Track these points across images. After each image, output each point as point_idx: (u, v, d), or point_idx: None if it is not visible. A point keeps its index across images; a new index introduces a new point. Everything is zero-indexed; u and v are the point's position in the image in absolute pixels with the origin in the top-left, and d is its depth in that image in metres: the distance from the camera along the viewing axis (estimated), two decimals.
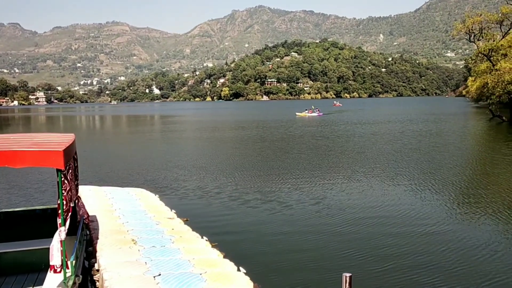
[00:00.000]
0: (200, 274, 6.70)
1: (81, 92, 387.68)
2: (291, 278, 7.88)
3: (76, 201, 7.91)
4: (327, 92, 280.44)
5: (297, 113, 72.33)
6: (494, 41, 52.66)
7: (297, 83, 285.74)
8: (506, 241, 9.69)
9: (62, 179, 5.66)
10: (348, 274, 4.69)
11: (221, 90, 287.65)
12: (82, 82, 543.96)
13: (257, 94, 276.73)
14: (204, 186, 16.19)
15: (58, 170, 5.59)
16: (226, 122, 62.69)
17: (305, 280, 7.81)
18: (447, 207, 12.62)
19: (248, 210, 12.66)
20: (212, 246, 8.43)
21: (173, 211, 11.22)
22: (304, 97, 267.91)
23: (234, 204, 13.41)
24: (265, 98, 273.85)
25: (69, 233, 6.17)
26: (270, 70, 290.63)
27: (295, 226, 11.01)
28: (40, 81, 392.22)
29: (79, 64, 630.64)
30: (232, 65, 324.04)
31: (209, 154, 26.66)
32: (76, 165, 7.61)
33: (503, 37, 54.27)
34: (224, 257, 7.80)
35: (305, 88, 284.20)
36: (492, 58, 51.65)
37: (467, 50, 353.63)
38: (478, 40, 54.95)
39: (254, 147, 29.26)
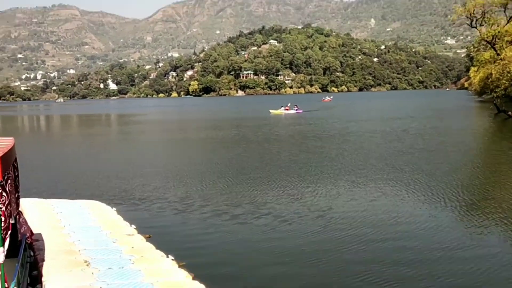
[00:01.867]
0: None
1: (22, 88, 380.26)
2: None
3: (17, 217, 7.79)
4: (311, 85, 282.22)
5: (271, 110, 70.99)
6: (498, 26, 53.81)
7: (277, 75, 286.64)
8: None
9: (0, 191, 5.59)
10: None
11: (189, 85, 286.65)
12: (24, 76, 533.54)
13: (231, 88, 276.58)
14: (169, 197, 16.08)
15: None
16: (196, 121, 62.50)
17: None
18: (466, 218, 12.83)
19: (220, 225, 12.65)
20: (179, 266, 8.43)
21: (133, 226, 11.17)
22: (285, 92, 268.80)
23: (204, 218, 13.36)
24: (240, 93, 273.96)
25: (9, 254, 6.08)
26: (245, 60, 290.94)
27: (273, 243, 11.06)
28: None
29: (20, 55, 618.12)
30: (202, 55, 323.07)
31: (176, 160, 26.55)
32: (16, 174, 7.49)
33: (508, 22, 55.60)
34: (193, 278, 7.82)
35: (287, 81, 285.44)
36: (496, 45, 52.79)
37: (469, 37, 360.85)
38: (480, 25, 56.00)
39: (233, 151, 29.20)
